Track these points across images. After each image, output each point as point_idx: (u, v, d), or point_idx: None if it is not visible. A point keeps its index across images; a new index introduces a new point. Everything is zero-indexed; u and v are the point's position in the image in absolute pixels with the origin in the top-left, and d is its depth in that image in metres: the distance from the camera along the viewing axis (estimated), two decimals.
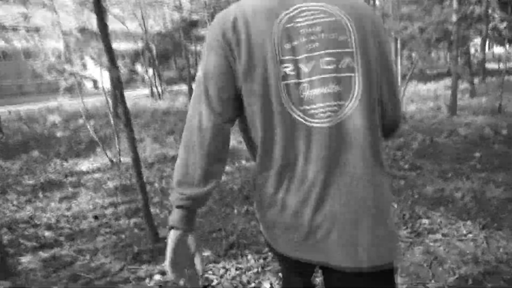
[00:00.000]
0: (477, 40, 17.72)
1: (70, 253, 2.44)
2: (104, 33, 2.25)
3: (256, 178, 0.89)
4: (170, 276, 0.86)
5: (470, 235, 2.28)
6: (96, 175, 4.49)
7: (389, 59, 0.93)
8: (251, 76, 0.82)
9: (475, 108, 7.62)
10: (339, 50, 0.83)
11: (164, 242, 2.50)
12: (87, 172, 4.70)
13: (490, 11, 14.80)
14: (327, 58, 0.82)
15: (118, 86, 2.32)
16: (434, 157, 4.11)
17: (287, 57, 0.81)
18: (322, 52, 0.82)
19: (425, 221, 2.52)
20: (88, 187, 3.99)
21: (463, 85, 9.82)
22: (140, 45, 14.86)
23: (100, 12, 2.17)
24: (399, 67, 15.76)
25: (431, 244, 2.24)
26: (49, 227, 2.90)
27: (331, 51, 0.82)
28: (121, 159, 5.35)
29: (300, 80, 0.82)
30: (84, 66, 5.61)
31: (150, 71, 15.13)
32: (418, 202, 2.86)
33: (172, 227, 0.86)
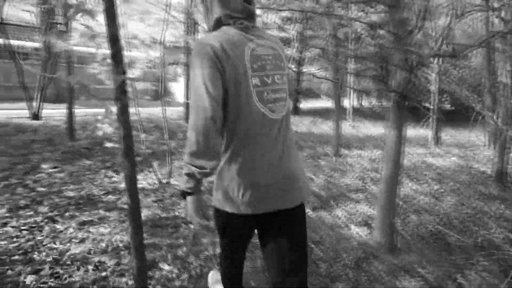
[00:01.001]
0: None
1: None
2: (112, 21, 1.52)
3: (230, 155, 1.38)
4: (193, 218, 1.35)
5: None
6: None
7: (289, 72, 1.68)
8: (235, 84, 1.33)
9: None
10: (281, 71, 1.46)
11: None
12: None
13: None
14: (277, 76, 1.44)
15: (120, 97, 1.56)
16: None
17: (255, 73, 1.37)
18: (274, 72, 1.43)
19: None
20: (120, 212, 3.38)
21: None
22: None
23: None
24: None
25: None
26: (37, 269, 2.25)
27: (278, 71, 1.44)
28: (171, 180, 4.76)
29: (264, 88, 1.38)
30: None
31: None
32: None
33: (189, 193, 1.34)
